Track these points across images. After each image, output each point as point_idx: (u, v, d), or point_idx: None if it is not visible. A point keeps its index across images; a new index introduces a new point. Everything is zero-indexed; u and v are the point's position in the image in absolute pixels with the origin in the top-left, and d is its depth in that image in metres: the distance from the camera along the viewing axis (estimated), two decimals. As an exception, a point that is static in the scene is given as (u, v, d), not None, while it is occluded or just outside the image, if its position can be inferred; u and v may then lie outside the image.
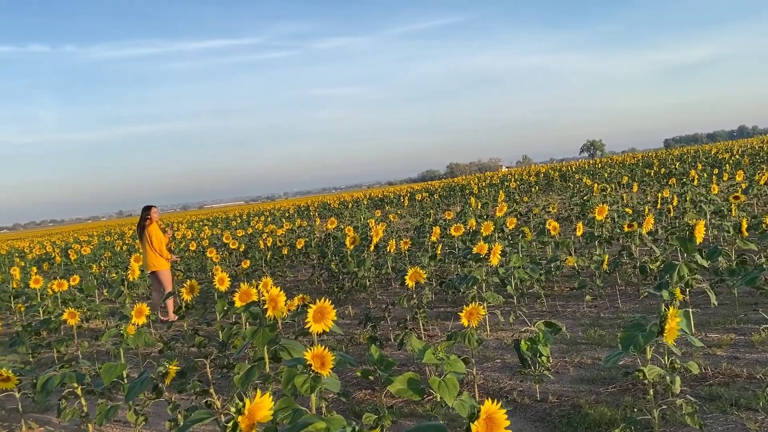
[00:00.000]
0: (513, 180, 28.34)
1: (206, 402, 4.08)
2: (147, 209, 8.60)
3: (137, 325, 5.05)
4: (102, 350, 6.88)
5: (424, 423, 1.82)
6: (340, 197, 44.38)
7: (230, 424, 1.93)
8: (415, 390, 3.25)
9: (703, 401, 3.43)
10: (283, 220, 24.60)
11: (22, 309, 9.00)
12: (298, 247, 11.29)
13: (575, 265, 6.46)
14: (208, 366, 5.11)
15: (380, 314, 6.36)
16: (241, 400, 1.95)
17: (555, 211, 12.73)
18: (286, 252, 11.79)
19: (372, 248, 7.83)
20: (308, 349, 2.84)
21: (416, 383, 3.30)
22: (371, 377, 3.74)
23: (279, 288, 3.74)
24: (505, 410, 1.58)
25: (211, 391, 3.99)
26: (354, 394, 4.48)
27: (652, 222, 6.12)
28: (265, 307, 3.65)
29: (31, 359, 6.64)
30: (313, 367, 2.75)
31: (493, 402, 1.59)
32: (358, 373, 3.76)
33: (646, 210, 8.42)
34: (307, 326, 3.24)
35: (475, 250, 5.89)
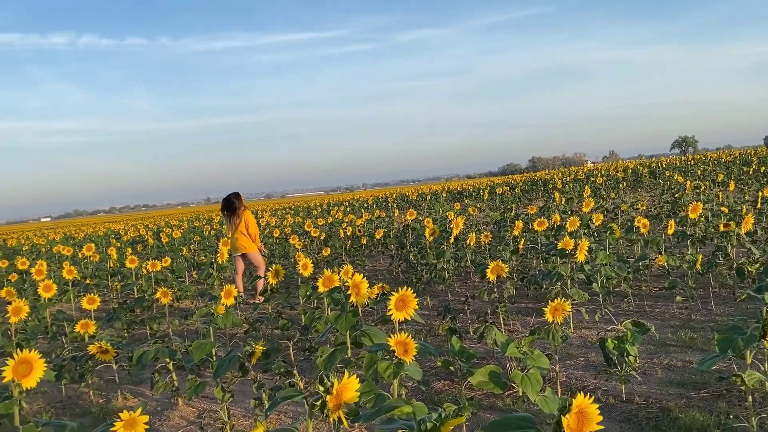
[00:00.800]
0: (599, 175, 27.41)
1: (289, 382, 4.19)
2: (237, 195, 8.92)
3: (226, 305, 5.26)
4: (191, 329, 7.20)
5: (512, 414, 1.80)
6: (418, 189, 44.38)
7: (318, 403, 1.97)
8: (496, 383, 3.21)
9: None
10: (362, 210, 24.88)
11: (118, 287, 9.55)
12: (377, 237, 11.39)
13: (665, 264, 6.18)
14: (291, 348, 5.26)
15: (459, 307, 6.35)
16: (329, 380, 1.99)
17: (644, 208, 12.24)
18: (365, 242, 11.92)
19: (452, 240, 7.79)
20: (390, 336, 2.87)
21: (498, 376, 3.26)
22: (451, 368, 3.73)
23: (361, 275, 3.80)
24: (597, 406, 1.54)
25: (295, 372, 4.10)
26: (433, 384, 4.49)
27: (752, 222, 5.77)
28: (348, 293, 3.70)
29: (126, 334, 7.04)
30: (396, 353, 2.77)
31: (585, 397, 1.55)
32: (439, 363, 3.76)
33: (744, 209, 7.94)
34: (388, 313, 3.27)
35: (560, 245, 5.75)
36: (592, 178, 26.18)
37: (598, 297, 5.97)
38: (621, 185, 23.18)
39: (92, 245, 12.55)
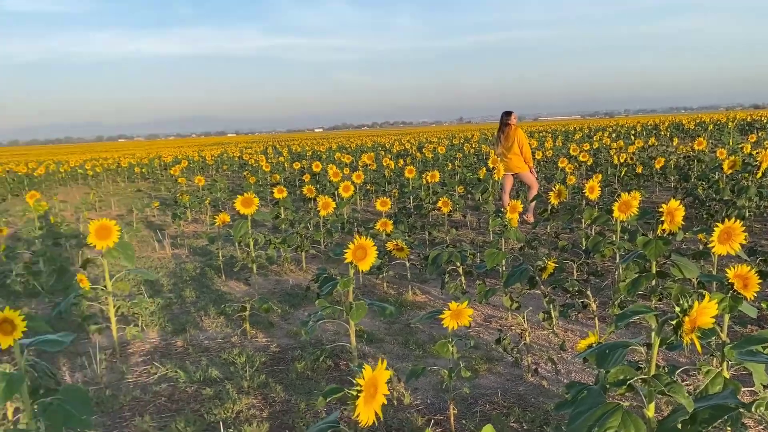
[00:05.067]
0: None
1: (582, 302, 4.18)
2: (509, 113, 8.86)
3: (509, 220, 5.35)
4: (464, 240, 7.50)
5: None
6: (696, 117, 39.75)
7: (674, 323, 1.90)
8: None
9: None
10: (631, 136, 23.14)
11: (396, 194, 10.30)
12: (657, 166, 10.52)
13: None
14: (575, 270, 5.21)
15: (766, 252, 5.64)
16: (687, 300, 1.90)
17: None
18: (640, 170, 11.12)
19: (759, 175, 6.86)
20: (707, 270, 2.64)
21: None
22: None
23: (677, 202, 3.55)
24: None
25: (588, 293, 4.06)
26: (747, 328, 4.10)
27: None
28: (662, 218, 3.48)
29: (407, 237, 7.61)
30: (735, 287, 2.55)
31: None
32: (765, 305, 3.40)
33: None
34: (710, 246, 3.01)
35: None
36: None
37: None
38: None
39: (372, 154, 13.66)
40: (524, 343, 3.58)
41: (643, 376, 1.99)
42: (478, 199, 9.73)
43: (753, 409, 2.02)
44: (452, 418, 2.91)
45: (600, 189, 9.71)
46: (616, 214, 4.39)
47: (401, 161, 18.30)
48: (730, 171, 7.39)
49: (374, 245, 3.24)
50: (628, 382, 1.98)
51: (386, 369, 1.89)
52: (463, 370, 2.85)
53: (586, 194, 5.52)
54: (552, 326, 4.07)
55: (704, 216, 7.43)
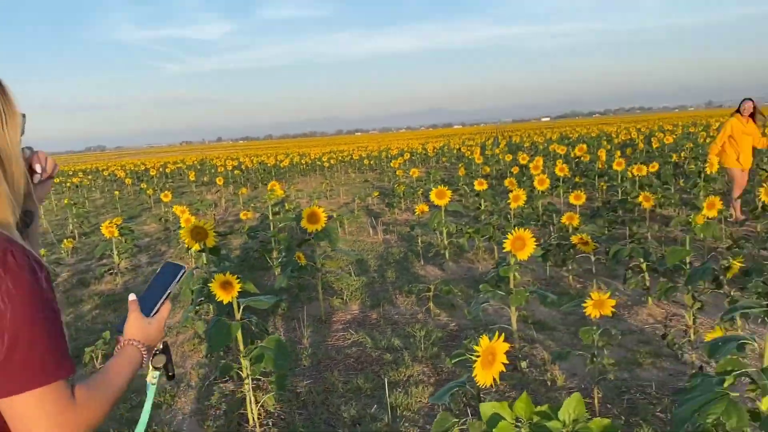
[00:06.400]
0: None
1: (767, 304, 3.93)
2: (749, 99, 8.15)
3: (707, 216, 5.12)
4: (670, 236, 7.20)
5: None
6: None
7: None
8: None
9: None
10: None
11: (604, 187, 10.06)
12: None
13: None
14: (776, 272, 4.85)
15: None
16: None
17: None
18: None
19: None
20: None
21: None
22: None
23: None
24: None
25: (774, 295, 3.83)
26: None
27: None
28: None
29: (606, 232, 7.51)
30: None
31: None
32: None
33: None
34: None
35: None
36: None
37: None
38: None
39: (584, 146, 13.37)
40: (688, 340, 3.56)
41: (751, 369, 2.07)
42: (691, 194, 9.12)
43: None
44: (597, 401, 3.10)
45: None
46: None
47: (628, 151, 17.51)
48: None
49: (533, 236, 3.52)
50: (734, 373, 2.07)
51: (504, 342, 2.24)
52: (606, 357, 3.03)
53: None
54: (734, 327, 3.94)
55: None
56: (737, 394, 2.11)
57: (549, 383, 3.48)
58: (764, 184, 5.47)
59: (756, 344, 2.14)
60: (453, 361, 2.39)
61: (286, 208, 8.80)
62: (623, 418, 2.99)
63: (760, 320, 4.30)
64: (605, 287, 5.42)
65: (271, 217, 6.75)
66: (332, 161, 25.06)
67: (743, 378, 2.14)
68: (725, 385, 2.15)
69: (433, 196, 6.19)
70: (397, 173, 15.24)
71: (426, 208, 6.75)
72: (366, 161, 24.79)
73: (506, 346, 2.27)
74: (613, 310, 2.94)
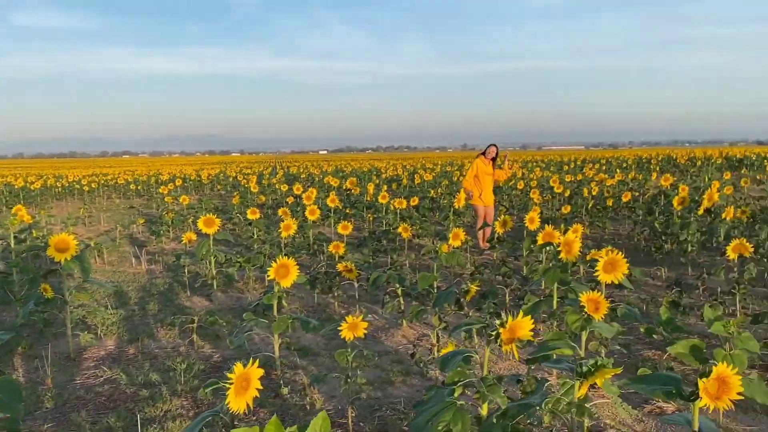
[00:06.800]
0: None
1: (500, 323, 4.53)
2: (490, 146, 9.31)
3: (452, 246, 5.73)
4: (424, 264, 7.87)
5: (663, 372, 1.90)
6: (690, 153, 40.24)
7: (494, 333, 2.29)
8: (696, 357, 3.15)
9: None
10: (618, 170, 23.58)
11: (371, 218, 10.70)
12: (624, 200, 10.91)
13: None
14: (507, 294, 5.58)
15: (693, 282, 6.01)
16: (504, 316, 2.29)
17: None
18: (610, 203, 11.50)
19: (700, 212, 7.25)
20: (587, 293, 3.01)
21: (699, 351, 3.18)
22: (654, 336, 3.72)
23: (576, 235, 3.91)
24: (740, 378, 1.61)
25: (502, 314, 4.41)
26: (643, 352, 4.46)
27: None
28: (559, 249, 3.87)
29: (371, 260, 7.98)
30: (586, 309, 2.92)
31: (728, 367, 1.62)
32: (642, 329, 3.77)
33: None
34: (596, 274, 3.39)
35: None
36: None
37: None
38: None
39: (354, 179, 14.08)
40: (433, 357, 3.93)
41: (471, 379, 2.37)
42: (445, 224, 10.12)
43: (543, 406, 2.37)
44: (350, 421, 3.27)
45: (567, 219, 10.12)
46: (539, 241, 4.77)
47: (394, 186, 18.80)
48: (680, 207, 7.80)
49: (296, 264, 3.63)
50: (459, 383, 2.36)
51: (258, 368, 2.27)
52: (360, 377, 3.22)
53: (526, 224, 5.92)
54: (472, 344, 4.43)
55: (653, 249, 7.79)
56: (463, 402, 2.40)
57: (308, 407, 3.58)
58: (500, 218, 6.30)
59: (478, 356, 2.47)
60: (206, 390, 2.36)
61: (34, 235, 7.90)
62: (374, 434, 3.19)
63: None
64: (366, 312, 5.75)
65: (13, 245, 6.01)
66: (93, 185, 23.05)
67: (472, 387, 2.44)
68: (456, 394, 2.43)
69: (201, 224, 6.05)
70: (165, 200, 14.55)
71: (194, 237, 6.55)
72: (133, 186, 23.24)
73: (260, 372, 2.30)
74: (366, 332, 3.15)
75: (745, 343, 3.14)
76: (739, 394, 1.63)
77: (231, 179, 26.03)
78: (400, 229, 7.20)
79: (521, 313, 2.28)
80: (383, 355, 4.52)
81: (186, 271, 6.95)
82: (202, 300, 6.33)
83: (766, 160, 25.60)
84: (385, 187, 14.82)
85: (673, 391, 1.77)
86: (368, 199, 12.93)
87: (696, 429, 1.73)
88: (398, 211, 9.51)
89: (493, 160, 9.20)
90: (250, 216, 7.90)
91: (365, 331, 3.12)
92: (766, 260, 6.57)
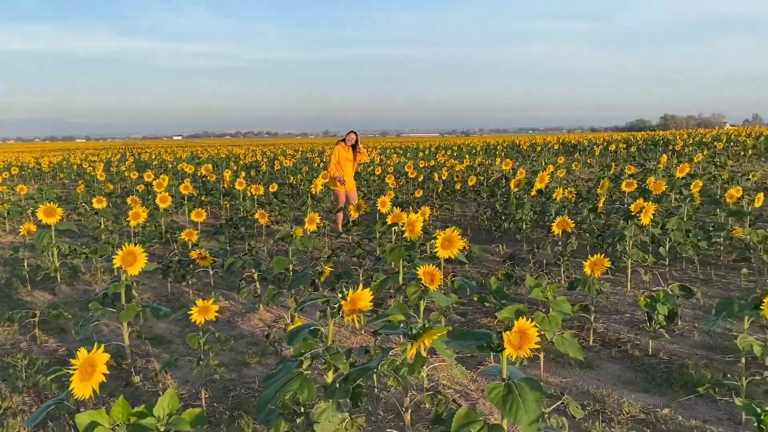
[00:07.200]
0: (722, 141, 25.64)
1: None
2: (349, 133, 9.51)
3: (307, 230, 5.89)
4: (283, 249, 7.96)
5: (477, 330, 2.19)
6: (531, 139, 43.42)
7: (336, 306, 2.48)
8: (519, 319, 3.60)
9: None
10: (468, 156, 24.96)
11: (228, 205, 10.56)
12: (470, 183, 11.67)
13: (746, 236, 6.11)
14: (360, 274, 5.84)
15: (524, 256, 6.65)
16: (345, 289, 2.49)
17: (756, 179, 11.63)
18: (458, 187, 12.24)
19: (533, 193, 7.98)
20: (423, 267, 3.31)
21: (522, 314, 3.62)
22: (487, 304, 4.14)
23: (418, 215, 4.22)
24: (537, 330, 1.92)
25: (344, 290, 4.65)
26: (479, 320, 4.90)
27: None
28: (403, 229, 4.15)
29: (228, 248, 7.94)
30: (423, 281, 3.21)
31: (528, 321, 1.93)
32: (476, 299, 4.17)
33: None
34: (435, 251, 3.70)
35: (632, 207, 5.86)
36: (717, 143, 24.55)
37: (665, 260, 6.05)
38: (747, 152, 21.65)
39: (210, 166, 13.75)
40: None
41: (317, 350, 2.55)
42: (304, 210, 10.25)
43: (379, 367, 2.62)
44: (203, 402, 3.34)
45: (419, 203, 10.64)
46: (388, 222, 5.04)
47: (253, 172, 18.53)
48: (516, 189, 8.51)
49: (144, 252, 3.61)
50: (305, 354, 2.53)
51: (104, 353, 2.28)
52: (212, 359, 3.29)
53: (378, 207, 6.21)
54: (297, 310, 4.63)
55: (493, 228, 8.46)
56: (310, 372, 2.57)
57: (161, 392, 3.58)
58: (354, 203, 6.54)
59: (323, 329, 2.65)
60: (49, 378, 2.34)
61: None
62: (227, 412, 3.29)
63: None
64: (223, 298, 5.76)
65: None
66: None
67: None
68: (304, 366, 2.59)
69: (40, 214, 5.70)
70: (0, 189, 13.33)
71: (34, 228, 6.15)
72: (-42, 176, 20.94)
73: (106, 357, 2.33)
74: (218, 315, 3.22)
75: (559, 306, 3.61)
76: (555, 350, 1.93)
77: (75, 167, 24.24)
78: (257, 215, 7.23)
79: (360, 286, 2.49)
80: (239, 339, 4.59)
81: (26, 264, 6.50)
82: (45, 294, 5.98)
83: (596, 146, 28.28)
84: (243, 174, 14.63)
85: (484, 345, 2.05)
86: (225, 186, 12.73)
87: (505, 376, 2.02)
88: (256, 197, 9.49)
89: (353, 146, 9.44)
90: (96, 205, 7.53)
91: (217, 315, 3.20)
92: (587, 234, 7.40)
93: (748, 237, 6.12)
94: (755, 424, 1.40)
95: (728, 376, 3.37)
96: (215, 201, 11.67)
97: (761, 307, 2.73)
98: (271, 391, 2.49)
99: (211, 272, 5.98)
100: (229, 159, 26.37)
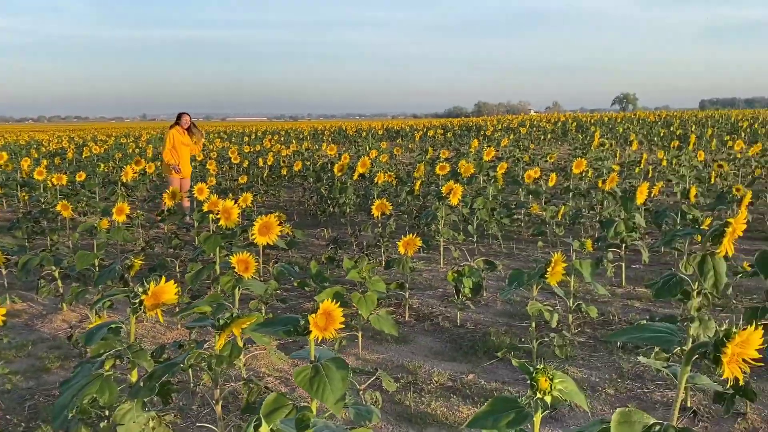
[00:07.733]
0: (526, 126, 28.22)
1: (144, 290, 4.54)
2: (182, 115, 8.96)
3: (116, 222, 5.50)
4: (91, 243, 7.37)
5: (285, 315, 2.20)
6: (357, 125, 44.36)
7: (137, 301, 2.34)
8: (338, 301, 3.67)
9: (597, 342, 3.84)
10: (294, 141, 24.89)
11: (26, 197, 9.53)
12: (296, 169, 11.65)
13: (542, 213, 6.78)
14: (177, 266, 5.60)
15: (347, 239, 6.80)
16: (147, 283, 2.36)
17: (552, 160, 12.92)
18: (284, 172, 12.16)
19: (355, 177, 8.17)
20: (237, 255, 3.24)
21: (341, 296, 3.71)
22: (307, 288, 4.17)
23: (233, 202, 4.11)
24: (341, 310, 1.97)
25: (145, 283, 4.44)
26: (302, 304, 4.94)
27: (616, 180, 6.38)
28: (218, 216, 4.03)
29: (27, 244, 7.16)
30: (236, 270, 3.15)
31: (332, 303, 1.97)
32: (296, 284, 4.19)
33: (616, 168, 8.62)
34: (252, 237, 3.64)
35: (442, 189, 6.22)
36: (522, 128, 26.92)
37: (473, 238, 6.52)
38: (547, 137, 24.02)
39: (5, 154, 12.28)
40: (93, 337, 3.79)
41: (118, 348, 2.39)
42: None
43: (186, 361, 2.56)
44: (-6, 416, 3.00)
45: (243, 189, 10.40)
46: (204, 209, 4.87)
47: (57, 160, 16.82)
48: (340, 173, 8.65)
49: None
50: (104, 354, 2.37)
51: None
52: (1, 367, 2.96)
53: (195, 195, 5.97)
54: (94, 306, 4.37)
55: (318, 212, 8.55)
56: (111, 373, 2.41)
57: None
58: (168, 191, 6.23)
59: (126, 327, 2.50)
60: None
61: None
62: (23, 424, 2.99)
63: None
64: (21, 300, 5.20)
65: None
66: None
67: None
68: (107, 367, 2.42)
69: None
70: None
71: None
72: None
73: None
74: (5, 319, 2.89)
75: (375, 285, 3.74)
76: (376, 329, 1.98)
77: None
78: (59, 207, 6.60)
79: (163, 279, 2.37)
80: (39, 343, 4.19)
81: None
82: None
83: (416, 132, 29.65)
84: (46, 162, 13.25)
85: (291, 329, 2.06)
86: (23, 176, 11.44)
87: (313, 358, 2.05)
88: (58, 188, 8.65)
89: (188, 129, 8.94)
90: None
91: (4, 319, 2.87)
92: (406, 216, 7.75)
93: (543, 213, 6.80)
94: (528, 382, 1.56)
95: (523, 340, 3.74)
96: (11, 193, 10.47)
97: (545, 276, 3.06)
98: (67, 396, 2.31)
99: (4, 272, 5.36)
100: (30, 146, 23.79)
